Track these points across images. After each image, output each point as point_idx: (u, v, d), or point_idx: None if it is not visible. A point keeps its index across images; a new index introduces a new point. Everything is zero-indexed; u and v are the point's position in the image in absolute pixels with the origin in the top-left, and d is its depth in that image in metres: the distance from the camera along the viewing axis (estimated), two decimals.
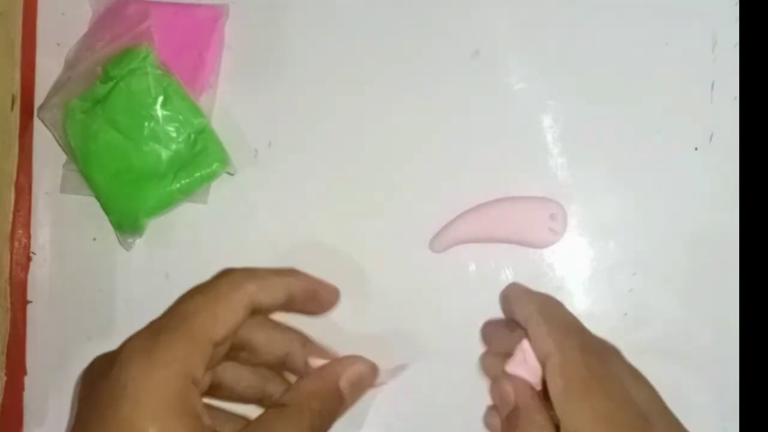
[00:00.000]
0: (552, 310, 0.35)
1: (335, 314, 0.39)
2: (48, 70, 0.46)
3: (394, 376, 0.38)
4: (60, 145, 0.45)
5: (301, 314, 0.38)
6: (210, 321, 0.31)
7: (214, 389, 0.36)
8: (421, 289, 0.42)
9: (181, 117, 0.42)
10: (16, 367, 0.45)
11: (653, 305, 0.40)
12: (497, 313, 0.41)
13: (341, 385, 0.34)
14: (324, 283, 0.37)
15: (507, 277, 0.41)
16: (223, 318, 0.32)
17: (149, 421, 0.28)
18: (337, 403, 0.34)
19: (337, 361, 0.36)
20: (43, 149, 0.46)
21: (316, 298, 0.37)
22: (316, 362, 0.37)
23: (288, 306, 0.36)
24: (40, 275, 0.46)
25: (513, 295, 0.37)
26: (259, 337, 0.36)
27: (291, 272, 0.36)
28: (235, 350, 0.35)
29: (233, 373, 0.36)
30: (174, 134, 0.42)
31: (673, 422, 0.31)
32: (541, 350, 0.32)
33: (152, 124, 0.42)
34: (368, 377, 0.36)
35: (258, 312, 0.34)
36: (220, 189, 0.44)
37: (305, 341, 0.38)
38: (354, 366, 0.35)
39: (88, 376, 0.32)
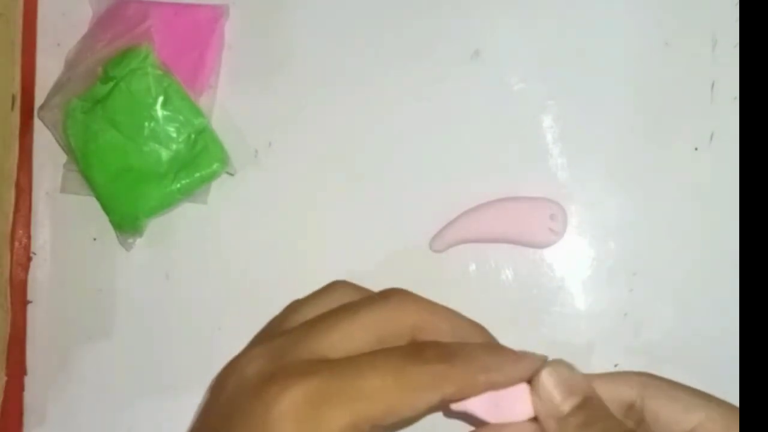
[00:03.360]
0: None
1: None
2: (48, 70, 0.46)
3: None
4: (60, 145, 0.45)
5: None
6: (389, 407, 0.25)
7: None
8: (421, 289, 0.42)
9: (181, 117, 0.42)
10: (16, 367, 0.45)
11: (653, 305, 0.40)
12: (497, 314, 0.41)
13: None
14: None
15: (507, 277, 0.41)
16: (401, 407, 0.26)
17: None
18: None
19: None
20: (43, 149, 0.46)
21: None
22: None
23: None
24: (40, 275, 0.46)
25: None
26: None
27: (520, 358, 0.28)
28: None
29: None
30: (174, 134, 0.42)
31: None
32: (681, 418, 0.27)
33: (152, 124, 0.42)
34: None
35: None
36: (220, 189, 0.44)
37: None
38: None
39: (223, 394, 0.27)
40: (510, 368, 0.27)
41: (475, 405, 0.28)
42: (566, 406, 0.27)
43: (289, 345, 0.27)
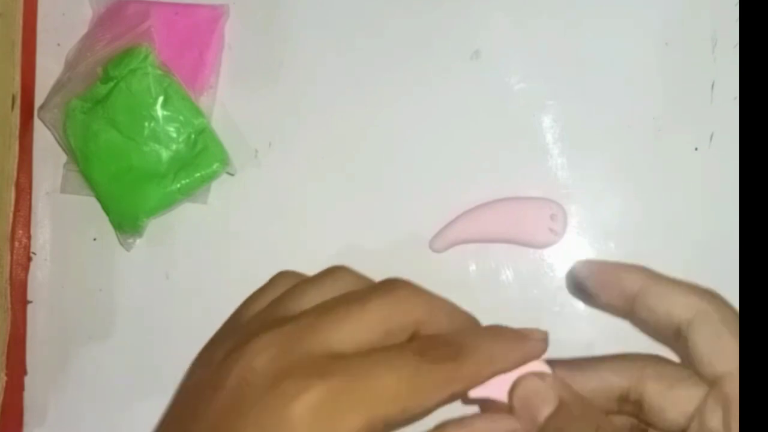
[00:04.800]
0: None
1: None
2: (48, 70, 0.46)
3: None
4: (60, 145, 0.45)
5: None
6: (403, 407, 0.26)
7: None
8: None
9: (181, 117, 0.42)
10: (16, 367, 0.45)
11: None
12: (497, 314, 0.41)
13: None
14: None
15: (507, 277, 0.41)
16: (414, 407, 0.26)
17: None
18: None
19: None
20: (43, 149, 0.46)
21: None
22: None
23: None
24: (40, 275, 0.46)
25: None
26: None
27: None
28: None
29: None
30: (174, 134, 0.42)
31: None
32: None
33: (152, 124, 0.42)
34: None
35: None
36: (220, 189, 0.44)
37: None
38: None
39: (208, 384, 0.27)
40: (514, 355, 0.28)
41: (494, 390, 0.28)
42: (540, 417, 0.28)
43: (300, 335, 0.27)
